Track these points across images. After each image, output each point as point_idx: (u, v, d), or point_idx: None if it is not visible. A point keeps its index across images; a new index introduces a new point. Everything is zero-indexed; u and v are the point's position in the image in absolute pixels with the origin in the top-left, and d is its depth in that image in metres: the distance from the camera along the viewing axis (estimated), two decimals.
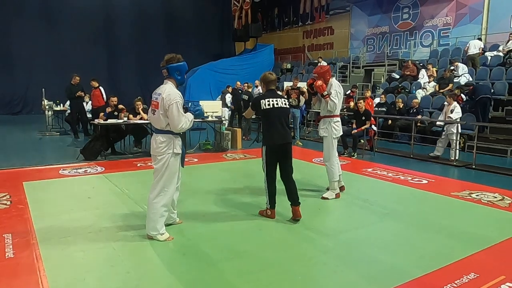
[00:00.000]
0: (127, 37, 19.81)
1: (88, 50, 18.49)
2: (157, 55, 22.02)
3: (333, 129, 4.99)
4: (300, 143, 10.06)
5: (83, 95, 10.96)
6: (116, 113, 8.34)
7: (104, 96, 10.52)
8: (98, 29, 19.10)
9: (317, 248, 3.56)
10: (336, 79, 15.89)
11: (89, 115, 11.37)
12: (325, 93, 4.88)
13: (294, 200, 4.17)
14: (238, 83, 12.99)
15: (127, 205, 4.75)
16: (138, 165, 7.17)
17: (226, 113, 12.10)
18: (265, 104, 4.08)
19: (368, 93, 10.94)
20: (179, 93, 3.48)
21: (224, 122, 9.28)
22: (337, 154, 5.18)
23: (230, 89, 12.46)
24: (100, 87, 10.72)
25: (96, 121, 8.00)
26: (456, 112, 8.01)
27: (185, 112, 3.50)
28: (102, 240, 3.65)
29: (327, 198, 5.05)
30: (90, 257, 3.30)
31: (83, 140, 10.11)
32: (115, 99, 8.54)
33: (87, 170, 6.59)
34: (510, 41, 11.69)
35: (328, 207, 4.91)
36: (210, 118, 8.96)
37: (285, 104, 4.17)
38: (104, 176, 6.21)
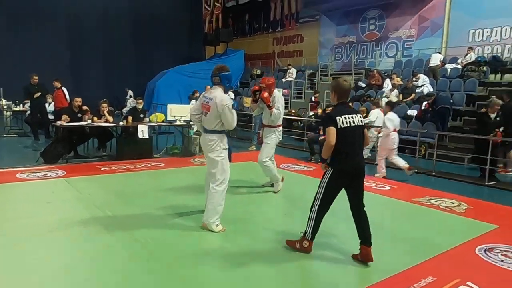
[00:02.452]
0: (92, 38, 19.27)
1: (51, 50, 17.82)
2: (123, 57, 21.56)
3: (277, 137, 5.61)
4: (254, 147, 10.05)
5: (40, 96, 10.50)
6: (79, 115, 8.07)
7: (68, 97, 10.14)
8: (61, 28, 18.49)
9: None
10: (305, 85, 16.18)
11: (51, 116, 10.94)
12: (271, 104, 5.31)
13: (366, 238, 3.39)
14: (208, 87, 12.91)
15: (89, 210, 4.59)
16: (102, 169, 6.96)
17: None
18: (342, 122, 3.29)
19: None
20: (228, 97, 4.04)
21: (193, 126, 9.19)
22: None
23: (197, 94, 12.37)
24: (63, 88, 10.32)
25: (58, 123, 7.70)
26: (373, 115, 8.54)
27: None
28: (61, 247, 3.51)
29: (278, 190, 5.65)
30: (48, 264, 3.16)
31: (44, 142, 9.70)
32: (79, 99, 8.25)
33: (47, 174, 6.32)
34: (468, 55, 12.35)
35: (292, 212, 4.95)
36: (178, 122, 8.86)
37: (362, 121, 3.44)
38: (65, 180, 5.98)
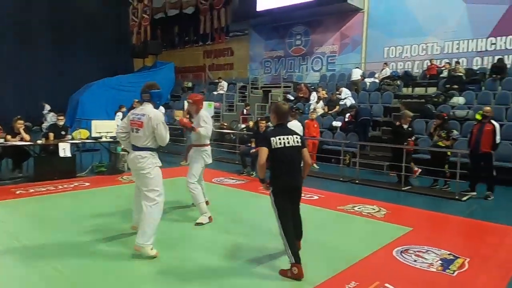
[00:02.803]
0: (5, 48, 17.62)
1: None
2: (42, 69, 20.05)
3: (204, 158, 5.13)
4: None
5: None
6: None
7: None
8: None
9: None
10: (236, 98, 16.34)
11: None
12: (194, 125, 5.01)
13: (297, 234, 3.69)
14: (136, 101, 12.51)
15: (1, 239, 4.17)
16: (18, 192, 6.38)
17: None
18: (276, 143, 3.47)
19: (314, 115, 10.67)
20: (161, 113, 3.95)
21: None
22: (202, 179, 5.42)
23: (123, 109, 11.95)
24: None
25: None
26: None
27: None
28: None
29: (201, 223, 4.92)
30: None
31: None
32: None
33: None
34: (384, 70, 13.48)
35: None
36: (104, 139, 8.46)
37: (298, 142, 3.58)
38: None
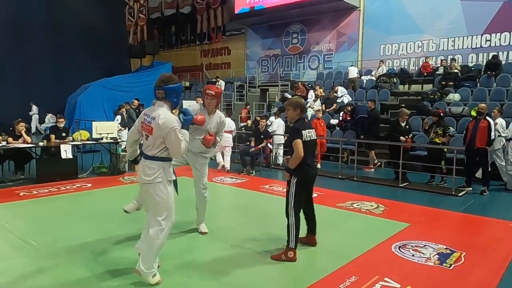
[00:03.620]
0: (4, 49, 17.56)
1: None
2: (40, 71, 20.00)
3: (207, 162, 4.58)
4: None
5: None
6: None
7: None
8: None
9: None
10: (234, 97, 16.39)
11: None
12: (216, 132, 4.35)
13: (312, 229, 4.16)
14: (135, 101, 12.59)
15: (9, 242, 4.26)
16: (21, 194, 6.46)
17: (124, 133, 11.64)
18: (306, 136, 3.73)
19: (320, 114, 10.61)
20: (175, 117, 3.16)
21: (120, 143, 8.91)
22: None
23: (123, 110, 12.02)
24: None
25: None
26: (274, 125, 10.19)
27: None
28: None
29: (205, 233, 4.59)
30: None
31: None
32: None
33: None
34: (380, 67, 13.60)
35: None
36: (104, 140, 8.54)
37: (314, 135, 3.93)
38: None
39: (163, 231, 3.17)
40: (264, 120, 9.37)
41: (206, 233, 4.57)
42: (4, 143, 7.30)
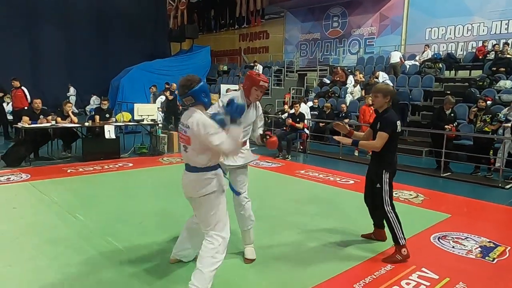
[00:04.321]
0: (52, 35, 18.30)
1: (9, 48, 16.90)
2: (85, 55, 20.66)
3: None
4: None
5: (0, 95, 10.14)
6: (41, 116, 7.84)
7: (28, 97, 9.83)
8: (18, 26, 17.39)
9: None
10: (271, 82, 16.27)
11: (9, 117, 10.56)
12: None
13: (379, 223, 3.91)
14: (174, 85, 12.84)
15: (58, 214, 4.55)
16: (69, 171, 6.84)
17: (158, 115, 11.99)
18: (399, 127, 3.53)
19: (370, 100, 9.17)
20: (208, 118, 2.76)
21: (160, 125, 9.16)
22: None
23: (154, 89, 12.35)
24: (23, 87, 10.00)
25: (20, 124, 7.46)
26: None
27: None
28: (30, 254, 3.48)
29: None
30: (17, 272, 3.15)
31: (3, 144, 9.36)
32: (38, 101, 8.02)
33: (10, 178, 6.15)
34: (425, 52, 12.98)
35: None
36: (145, 121, 8.81)
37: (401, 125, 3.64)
38: (30, 184, 5.84)
39: (222, 244, 2.80)
40: (298, 105, 9.33)
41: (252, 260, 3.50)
42: (53, 122, 7.71)
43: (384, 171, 3.56)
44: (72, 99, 16.79)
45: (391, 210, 3.57)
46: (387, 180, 3.56)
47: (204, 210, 2.83)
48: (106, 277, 3.10)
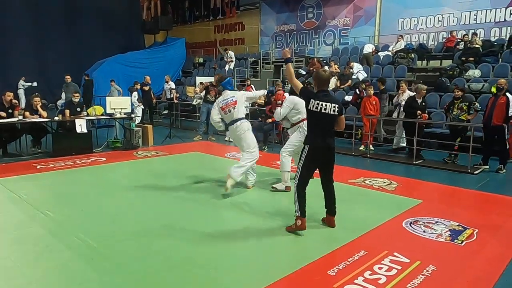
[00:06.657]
0: (19, 26, 17.54)
1: None
2: (55, 46, 19.81)
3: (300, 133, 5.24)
4: (213, 138, 10.15)
5: None
6: (10, 110, 7.54)
7: None
8: None
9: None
10: (248, 73, 16.19)
11: None
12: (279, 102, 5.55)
13: (332, 210, 4.04)
14: (147, 77, 12.60)
15: (26, 212, 4.39)
16: (38, 167, 6.62)
17: (139, 109, 11.77)
18: (313, 105, 3.72)
19: (371, 91, 9.06)
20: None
21: (134, 118, 8.98)
22: None
23: (138, 86, 12.13)
24: None
25: None
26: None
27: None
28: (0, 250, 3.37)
29: (276, 189, 5.41)
30: None
31: None
32: (11, 94, 7.69)
33: None
34: (398, 42, 13.20)
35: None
36: (118, 115, 8.62)
37: (335, 111, 3.75)
38: None
39: (253, 156, 5.24)
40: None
41: (276, 189, 5.43)
42: (20, 117, 7.43)
43: (306, 148, 3.86)
44: (22, 92, 15.60)
45: (296, 188, 3.83)
46: (305, 155, 3.84)
47: (244, 138, 5.23)
48: (78, 274, 3.02)
